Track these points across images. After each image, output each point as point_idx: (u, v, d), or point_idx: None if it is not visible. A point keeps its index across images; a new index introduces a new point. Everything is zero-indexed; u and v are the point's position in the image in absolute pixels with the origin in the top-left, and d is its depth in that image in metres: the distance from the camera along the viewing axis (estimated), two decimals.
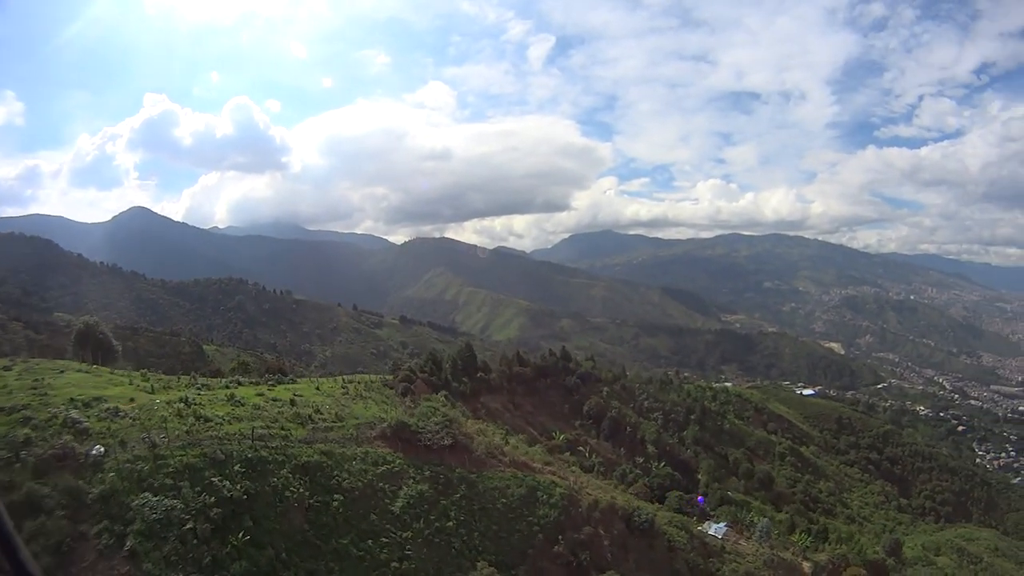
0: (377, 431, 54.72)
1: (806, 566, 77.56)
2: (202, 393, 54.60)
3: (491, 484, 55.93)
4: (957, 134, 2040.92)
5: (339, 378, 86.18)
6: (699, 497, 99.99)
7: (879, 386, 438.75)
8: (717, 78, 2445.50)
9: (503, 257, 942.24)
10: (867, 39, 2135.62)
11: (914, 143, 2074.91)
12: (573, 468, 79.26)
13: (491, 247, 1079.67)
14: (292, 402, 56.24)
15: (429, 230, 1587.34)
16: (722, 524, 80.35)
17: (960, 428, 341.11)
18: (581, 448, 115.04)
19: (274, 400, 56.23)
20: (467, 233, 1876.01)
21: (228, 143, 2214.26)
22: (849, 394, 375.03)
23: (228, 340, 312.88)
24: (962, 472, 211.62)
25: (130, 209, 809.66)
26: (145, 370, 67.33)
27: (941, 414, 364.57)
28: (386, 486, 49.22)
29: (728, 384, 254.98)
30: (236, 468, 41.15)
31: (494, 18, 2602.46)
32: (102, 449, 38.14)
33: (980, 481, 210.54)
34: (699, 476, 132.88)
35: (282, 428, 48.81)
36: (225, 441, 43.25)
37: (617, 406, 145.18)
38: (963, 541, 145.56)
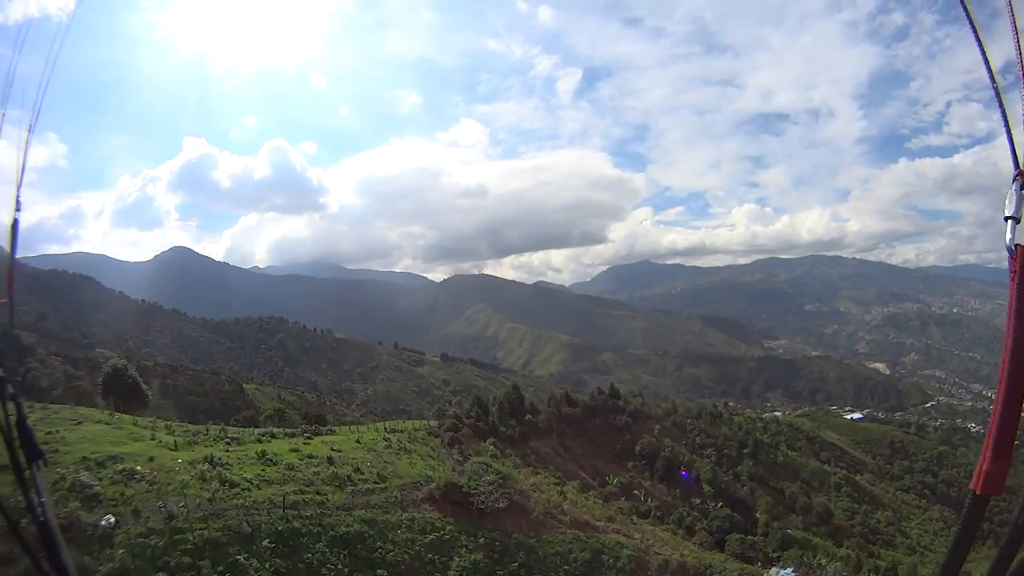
0: (424, 493, 49.05)
1: None
2: (230, 450, 49.36)
3: (552, 549, 49.65)
4: (988, 138, 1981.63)
5: (381, 425, 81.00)
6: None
7: (927, 405, 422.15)
8: (744, 101, 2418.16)
9: (542, 292, 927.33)
10: (890, 49, 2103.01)
11: (945, 151, 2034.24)
12: (634, 520, 72.76)
13: (530, 282, 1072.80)
14: (329, 460, 50.80)
15: (467, 267, 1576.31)
16: (789, 570, 73.17)
17: (1015, 443, 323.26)
18: (636, 491, 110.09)
19: (310, 457, 50.83)
20: (505, 269, 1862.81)
21: (266, 185, 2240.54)
22: (898, 415, 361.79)
23: (269, 378, 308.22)
24: (1019, 491, 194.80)
25: (171, 249, 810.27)
26: (171, 422, 62.71)
27: None
28: (436, 557, 43.19)
29: (777, 413, 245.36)
30: (265, 544, 35.84)
31: (520, 54, 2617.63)
32: (112, 520, 33.28)
33: None
34: (757, 515, 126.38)
35: (318, 492, 43.45)
36: (253, 511, 38.02)
37: (670, 444, 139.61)
38: None
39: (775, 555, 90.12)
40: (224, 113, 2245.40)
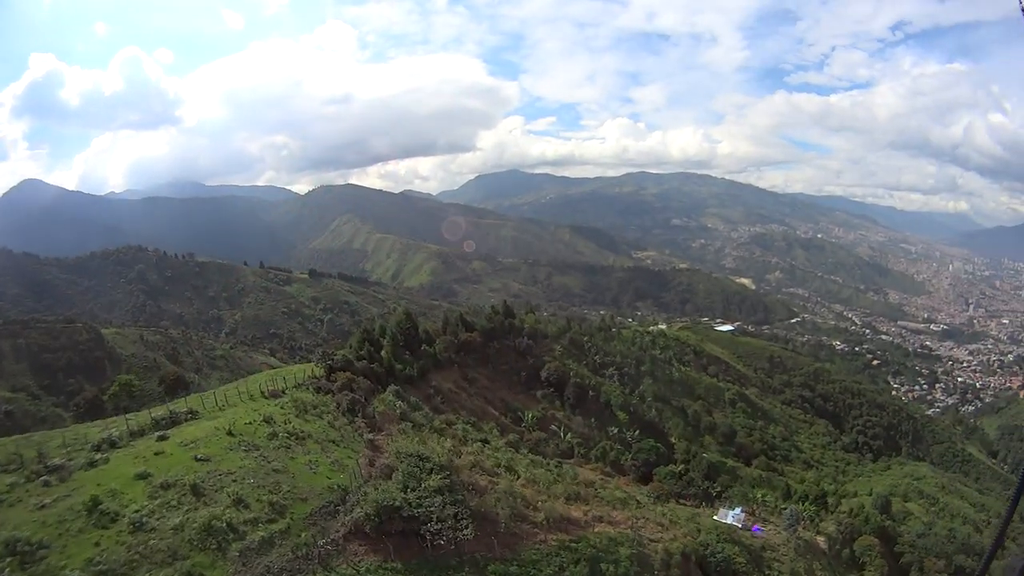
0: (347, 523, 32.51)
1: (820, 540, 74.47)
2: (47, 503, 30.69)
3: (541, 573, 35.46)
4: (867, 85, 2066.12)
5: (255, 385, 62.71)
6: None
7: (793, 321, 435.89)
8: (627, 18, 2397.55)
9: (410, 200, 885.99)
10: None
11: (824, 90, 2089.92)
12: (597, 488, 58.96)
13: (397, 191, 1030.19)
14: (195, 490, 33.23)
15: (333, 177, 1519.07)
16: (738, 509, 73.58)
17: (875, 362, 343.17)
18: (554, 427, 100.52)
19: (164, 489, 32.92)
20: (371, 178, 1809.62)
21: (119, 100, 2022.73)
22: (764, 328, 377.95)
23: (131, 315, 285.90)
24: (889, 407, 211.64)
25: (20, 183, 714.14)
26: None
27: (856, 348, 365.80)
28: None
29: (663, 327, 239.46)
30: None
31: None
32: None
33: (906, 415, 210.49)
34: (672, 440, 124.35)
35: (189, 572, 26.05)
36: None
37: (573, 367, 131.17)
38: (913, 480, 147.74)
39: (706, 487, 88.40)
40: (70, 23, 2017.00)
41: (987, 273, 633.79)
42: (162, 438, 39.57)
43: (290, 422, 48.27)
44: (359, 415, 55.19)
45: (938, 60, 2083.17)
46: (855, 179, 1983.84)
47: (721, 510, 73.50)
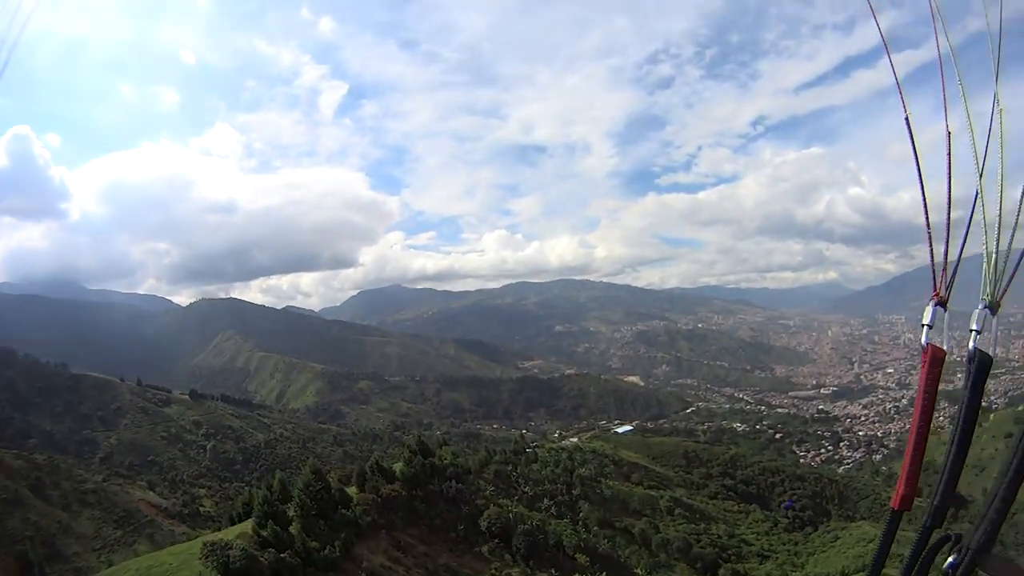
0: None
1: None
2: None
3: None
4: (733, 178, 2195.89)
5: None
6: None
7: (688, 411, 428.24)
8: (505, 132, 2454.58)
9: (293, 317, 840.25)
10: (652, 96, 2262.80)
11: (692, 188, 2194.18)
12: None
13: (279, 307, 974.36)
14: None
15: (214, 290, 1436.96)
16: None
17: (778, 436, 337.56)
18: None
19: None
20: (253, 292, 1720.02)
21: (4, 181, 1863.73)
22: (663, 423, 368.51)
23: None
24: (808, 476, 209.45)
25: None
26: None
27: (757, 427, 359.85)
28: None
29: (574, 439, 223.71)
30: None
31: (290, 60, 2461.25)
32: None
33: (828, 481, 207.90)
34: (638, 572, 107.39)
35: None
36: None
37: (510, 507, 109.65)
38: (867, 544, 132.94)
39: None
40: None
41: (865, 331, 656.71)
42: None
43: None
44: None
45: (796, 147, 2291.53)
46: (728, 267, 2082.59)
47: None
